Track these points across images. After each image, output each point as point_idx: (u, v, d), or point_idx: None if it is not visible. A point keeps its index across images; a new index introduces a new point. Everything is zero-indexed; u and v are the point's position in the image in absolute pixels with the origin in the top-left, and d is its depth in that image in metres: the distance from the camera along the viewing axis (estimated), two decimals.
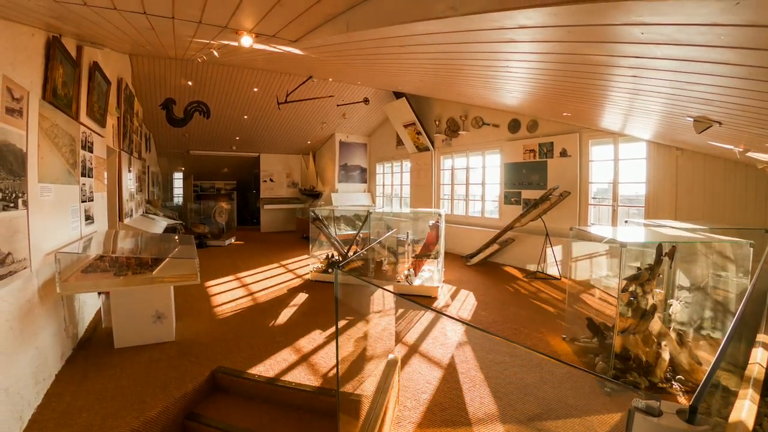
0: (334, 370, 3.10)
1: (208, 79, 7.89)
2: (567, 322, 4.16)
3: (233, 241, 10.48)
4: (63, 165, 3.29)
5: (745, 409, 1.29)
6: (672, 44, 1.54)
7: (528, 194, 7.17)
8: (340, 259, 6.52)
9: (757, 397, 1.39)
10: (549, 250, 6.53)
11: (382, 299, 3.91)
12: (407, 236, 6.33)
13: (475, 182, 8.65)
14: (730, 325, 1.55)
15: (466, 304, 5.07)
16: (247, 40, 3.02)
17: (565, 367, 3.29)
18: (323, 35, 2.74)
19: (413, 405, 2.74)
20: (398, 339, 3.86)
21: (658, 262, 3.25)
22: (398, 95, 9.29)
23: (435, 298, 5.27)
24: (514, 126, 7.44)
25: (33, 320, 2.66)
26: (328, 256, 6.73)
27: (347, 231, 8.76)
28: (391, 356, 2.96)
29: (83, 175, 3.83)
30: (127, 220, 5.89)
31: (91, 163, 4.14)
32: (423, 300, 5.26)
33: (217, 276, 6.39)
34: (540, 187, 6.93)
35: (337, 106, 9.77)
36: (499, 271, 7.02)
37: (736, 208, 4.54)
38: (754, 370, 1.62)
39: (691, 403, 1.04)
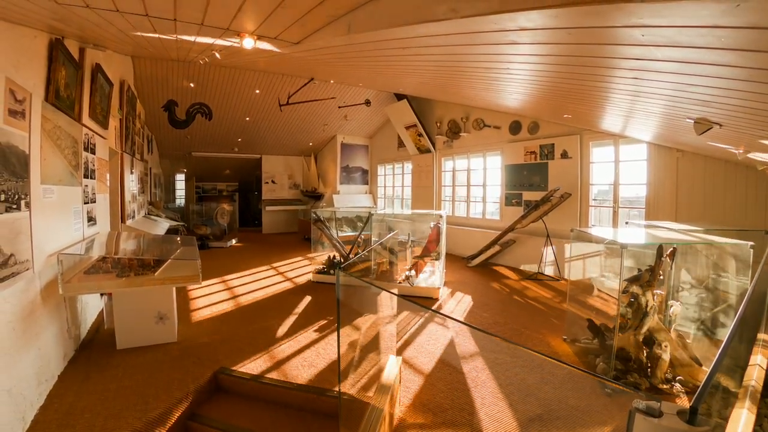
0: (336, 371, 3.11)
1: (210, 81, 7.91)
2: (567, 323, 4.16)
3: (234, 242, 10.49)
4: (65, 166, 3.30)
5: (745, 410, 1.29)
6: (673, 46, 1.55)
7: (529, 196, 7.17)
8: (342, 260, 6.53)
9: (758, 398, 1.40)
10: (550, 252, 6.53)
11: (384, 300, 3.92)
12: (408, 238, 6.34)
13: (476, 184, 8.65)
14: (731, 326, 1.55)
15: (467, 305, 5.07)
16: (249, 42, 3.03)
17: (566, 367, 3.29)
18: (325, 37, 2.75)
19: (414, 405, 2.74)
20: (399, 339, 3.86)
21: (658, 263, 3.25)
22: (399, 97, 9.31)
23: (436, 299, 5.27)
24: (515, 128, 7.44)
25: (35, 321, 2.67)
26: (330, 257, 6.74)
27: (349, 232, 8.77)
28: (392, 357, 2.96)
29: (86, 176, 3.84)
30: (129, 222, 5.91)
31: (94, 165, 4.15)
32: (424, 301, 5.26)
33: (219, 277, 6.40)
34: (541, 188, 6.93)
35: (339, 107, 9.79)
36: (500, 272, 7.02)
37: (736, 209, 4.53)
38: (755, 371, 1.62)
39: (691, 403, 1.04)
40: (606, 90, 2.85)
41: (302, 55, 3.67)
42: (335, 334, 3.86)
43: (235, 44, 3.20)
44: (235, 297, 5.30)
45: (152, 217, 8.20)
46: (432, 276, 5.98)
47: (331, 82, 7.98)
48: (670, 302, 3.39)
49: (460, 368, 3.29)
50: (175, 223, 8.79)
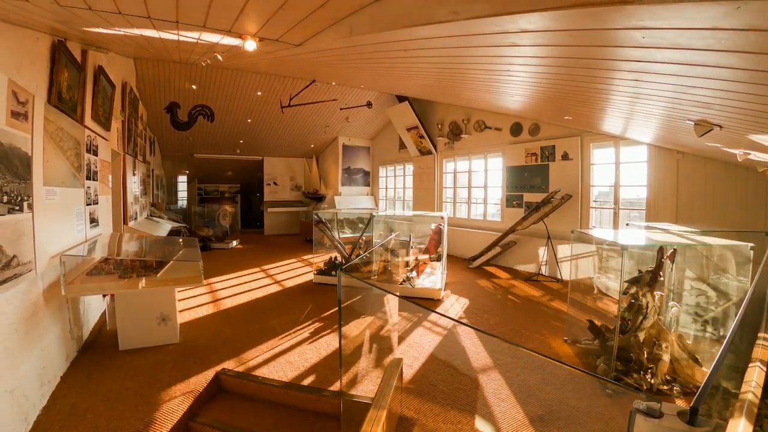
0: (338, 372, 3.12)
1: (212, 83, 7.94)
2: (568, 324, 4.15)
3: (236, 244, 10.50)
4: (68, 168, 3.32)
5: (745, 411, 1.29)
6: (673, 48, 1.55)
7: (530, 197, 7.17)
8: (344, 261, 6.54)
9: (757, 399, 1.40)
10: (551, 253, 6.53)
11: (385, 301, 3.92)
12: (410, 239, 6.35)
13: (477, 185, 8.65)
14: (731, 327, 1.55)
15: (468, 306, 5.07)
16: (250, 44, 3.04)
17: (566, 368, 3.29)
18: (327, 39, 2.76)
19: (415, 405, 2.74)
20: (400, 340, 3.86)
21: (658, 265, 3.25)
22: (401, 99, 9.32)
23: (437, 300, 5.27)
24: (516, 129, 7.45)
25: (38, 322, 2.68)
26: (331, 258, 6.74)
27: (350, 234, 8.77)
28: (393, 357, 2.96)
29: (88, 178, 3.86)
30: (131, 223, 5.92)
31: (96, 167, 4.17)
32: (425, 302, 5.26)
33: (221, 279, 6.41)
34: (542, 190, 6.93)
35: (341, 109, 9.81)
36: (500, 273, 7.02)
37: (736, 211, 4.53)
38: (755, 371, 1.62)
39: (691, 404, 1.05)
40: (606, 92, 2.85)
41: (304, 57, 3.68)
42: (336, 334, 3.87)
43: (237, 46, 3.21)
44: (237, 298, 5.31)
45: (154, 218, 8.22)
46: (433, 277, 5.98)
47: (333, 84, 8.00)
48: (671, 303, 3.39)
49: (461, 369, 3.29)
50: (177, 224, 8.80)
